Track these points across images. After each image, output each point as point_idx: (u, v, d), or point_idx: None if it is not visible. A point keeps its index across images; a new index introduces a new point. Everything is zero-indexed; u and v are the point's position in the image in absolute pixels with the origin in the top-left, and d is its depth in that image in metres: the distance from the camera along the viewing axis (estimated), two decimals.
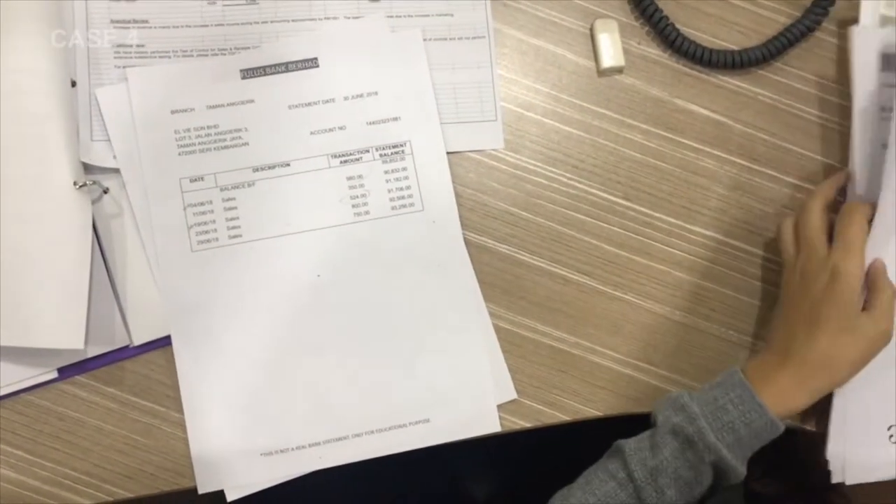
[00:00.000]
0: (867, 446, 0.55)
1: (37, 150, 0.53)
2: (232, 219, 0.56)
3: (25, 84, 0.53)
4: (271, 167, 0.57)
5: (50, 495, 0.54)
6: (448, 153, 0.58)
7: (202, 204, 0.56)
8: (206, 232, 0.56)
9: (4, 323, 0.51)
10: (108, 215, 0.55)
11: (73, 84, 0.55)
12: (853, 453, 0.55)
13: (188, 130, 0.56)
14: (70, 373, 0.54)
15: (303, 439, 0.55)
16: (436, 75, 0.59)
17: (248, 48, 0.58)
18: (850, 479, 0.55)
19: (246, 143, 0.57)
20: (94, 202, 0.54)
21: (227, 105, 0.57)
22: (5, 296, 0.51)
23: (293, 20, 0.59)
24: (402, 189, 0.57)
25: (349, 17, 0.59)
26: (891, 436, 0.56)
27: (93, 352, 0.54)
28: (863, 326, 0.50)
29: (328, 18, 0.59)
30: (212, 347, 0.55)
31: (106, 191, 0.55)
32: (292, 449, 0.54)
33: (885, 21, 0.60)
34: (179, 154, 0.56)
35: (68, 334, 0.51)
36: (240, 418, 0.54)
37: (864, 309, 0.51)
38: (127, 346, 0.54)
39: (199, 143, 0.56)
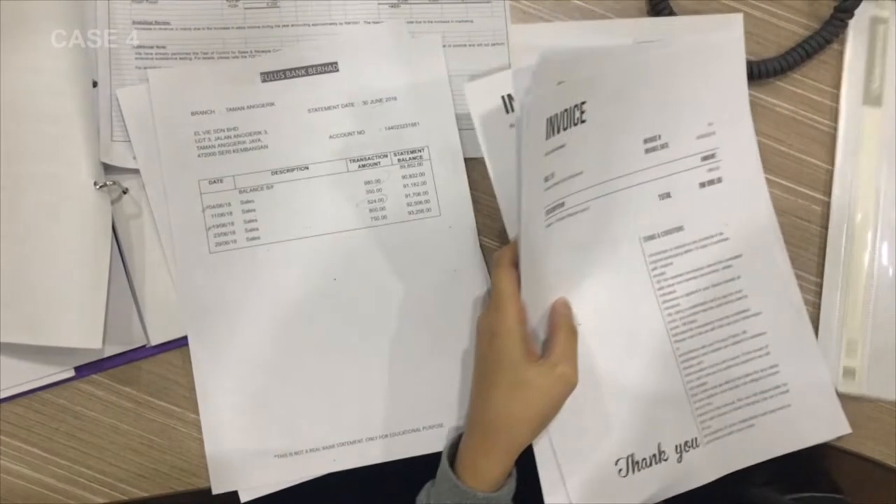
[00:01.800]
0: (596, 489, 0.53)
1: (57, 150, 0.53)
2: (250, 221, 0.56)
3: (46, 84, 0.54)
4: (290, 170, 0.57)
5: (65, 493, 0.54)
6: (466, 159, 0.59)
7: (221, 206, 0.56)
8: (225, 234, 0.56)
9: (23, 321, 0.51)
10: (127, 216, 0.55)
11: (95, 84, 0.56)
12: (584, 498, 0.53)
13: (208, 132, 0.57)
14: (87, 372, 0.54)
15: (317, 442, 0.55)
16: (454, 81, 0.59)
17: (269, 51, 0.58)
18: None
19: (265, 146, 0.57)
20: (113, 202, 0.55)
21: (247, 108, 0.57)
22: (24, 294, 0.51)
23: (313, 24, 0.59)
24: (419, 194, 0.58)
25: (369, 22, 0.59)
26: (619, 470, 0.54)
27: (110, 351, 0.54)
28: (534, 378, 0.48)
29: (348, 23, 0.59)
30: (228, 349, 0.55)
31: (125, 191, 0.55)
32: (306, 451, 0.55)
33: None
34: (199, 155, 0.56)
35: (86, 333, 0.52)
36: (255, 420, 0.55)
37: (542, 356, 0.50)
38: (144, 346, 0.55)
39: (219, 145, 0.57)
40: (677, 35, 0.57)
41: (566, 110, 0.48)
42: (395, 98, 0.58)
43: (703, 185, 0.57)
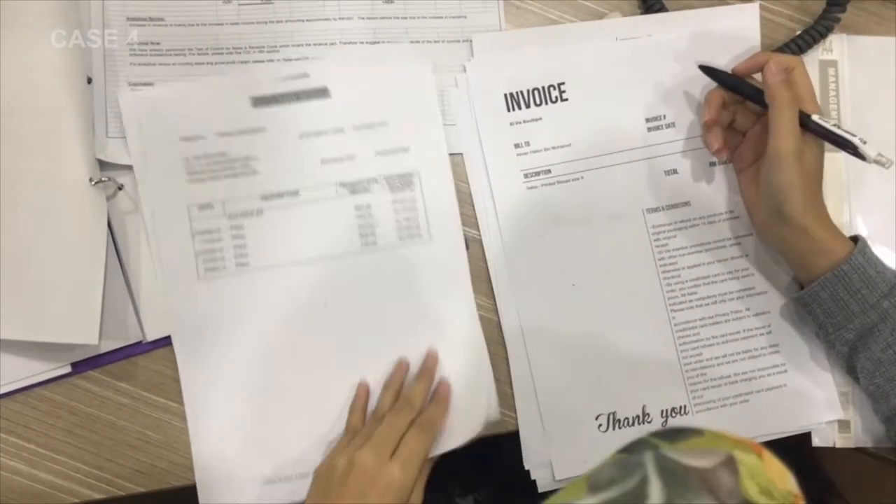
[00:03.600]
0: (574, 441, 0.56)
1: (52, 147, 0.53)
2: (239, 247, 0.56)
3: (40, 80, 0.54)
4: (280, 196, 0.56)
5: (62, 489, 0.54)
6: (453, 154, 0.59)
7: (210, 232, 0.56)
8: (214, 260, 0.55)
9: (19, 317, 0.51)
10: (122, 212, 0.56)
11: (89, 81, 0.56)
12: (560, 454, 0.55)
13: (198, 157, 0.56)
14: (83, 368, 0.54)
15: (307, 467, 0.53)
16: (447, 77, 0.59)
17: (263, 48, 0.58)
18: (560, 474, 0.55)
19: (256, 172, 0.56)
20: (109, 198, 0.55)
21: (238, 133, 0.57)
22: (20, 290, 0.51)
23: (307, 20, 0.59)
24: (409, 219, 0.57)
25: (363, 18, 0.59)
26: (599, 425, 0.56)
27: (106, 347, 0.54)
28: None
29: (342, 18, 0.59)
30: (217, 373, 0.55)
31: (121, 187, 0.55)
32: (296, 477, 0.54)
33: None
34: (189, 181, 0.56)
35: (82, 329, 0.52)
36: (244, 444, 0.54)
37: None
38: (140, 342, 0.55)
39: (209, 171, 0.56)
40: (693, 25, 0.59)
41: (536, 89, 0.58)
42: (385, 123, 0.58)
43: (713, 163, 0.59)
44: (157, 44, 0.57)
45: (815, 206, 0.52)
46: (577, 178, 0.58)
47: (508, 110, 0.58)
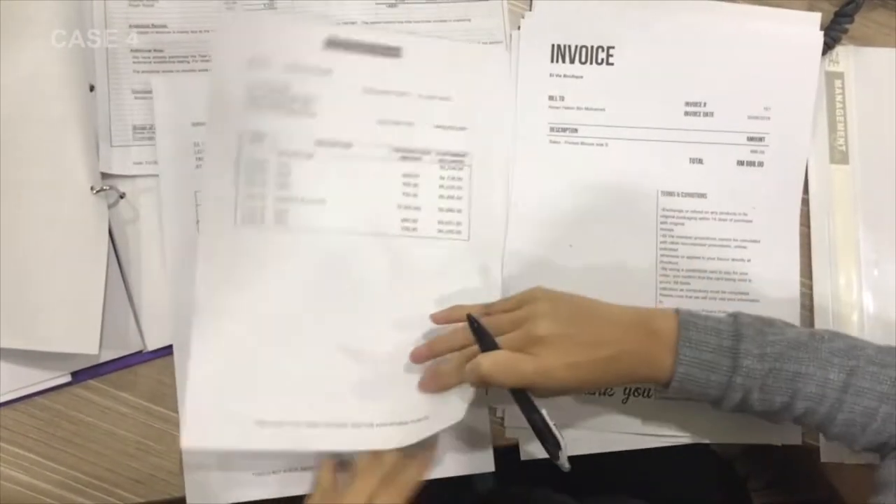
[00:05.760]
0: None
1: (54, 155, 0.53)
2: (283, 198, 0.55)
3: (45, 87, 0.53)
4: (333, 144, 0.56)
5: (61, 499, 0.54)
6: None
7: (258, 163, 0.55)
8: (254, 209, 0.55)
9: (19, 326, 0.51)
10: (123, 220, 0.55)
11: (92, 89, 0.55)
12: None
13: (261, 85, 0.55)
14: (83, 377, 0.54)
15: (301, 416, 0.52)
16: None
17: None
18: None
19: (314, 114, 0.56)
20: (110, 207, 0.54)
21: (303, 71, 0.56)
22: (21, 299, 0.51)
23: None
24: (452, 197, 0.57)
25: (367, 22, 0.59)
26: None
27: (106, 356, 0.54)
28: None
29: (345, 23, 0.59)
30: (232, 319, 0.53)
31: (122, 196, 0.55)
32: (288, 423, 0.52)
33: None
34: (245, 108, 0.55)
35: (82, 339, 0.51)
36: (240, 383, 0.53)
37: None
38: (140, 352, 0.54)
39: (268, 102, 0.55)
40: (752, 21, 0.59)
41: (583, 46, 0.59)
42: (448, 98, 0.58)
43: (741, 163, 0.58)
44: (161, 51, 0.57)
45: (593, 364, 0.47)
46: (602, 144, 0.58)
47: (552, 61, 0.59)
